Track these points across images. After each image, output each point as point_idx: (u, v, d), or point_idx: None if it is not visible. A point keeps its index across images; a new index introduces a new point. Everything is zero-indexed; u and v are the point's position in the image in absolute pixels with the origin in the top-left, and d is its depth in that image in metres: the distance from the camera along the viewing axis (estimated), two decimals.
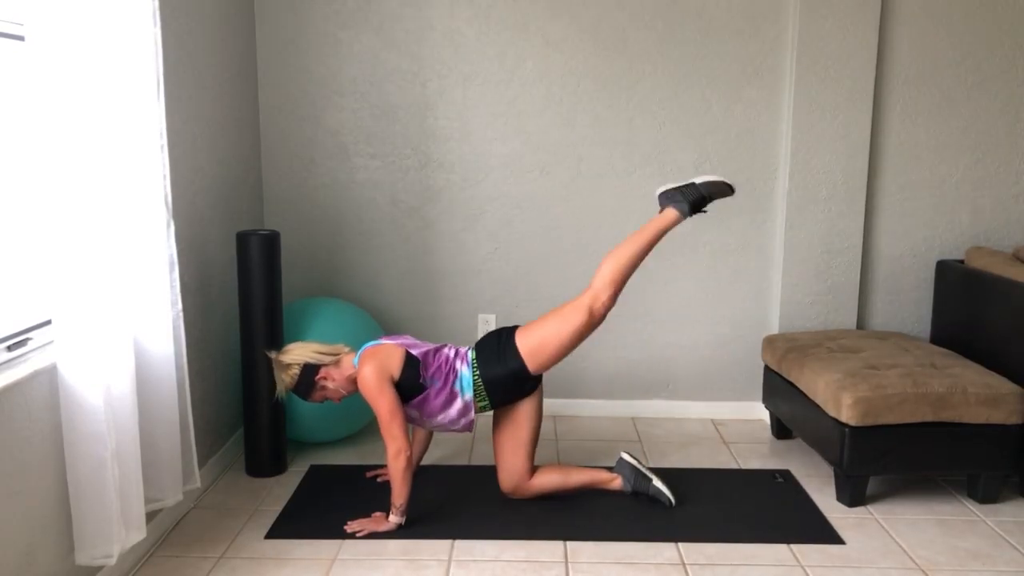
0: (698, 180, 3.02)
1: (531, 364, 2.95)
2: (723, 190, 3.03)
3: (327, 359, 2.95)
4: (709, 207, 3.07)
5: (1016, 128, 3.84)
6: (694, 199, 3.00)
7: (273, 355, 3.00)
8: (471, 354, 3.00)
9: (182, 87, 3.00)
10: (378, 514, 2.93)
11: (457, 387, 2.95)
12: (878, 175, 3.86)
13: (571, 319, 2.96)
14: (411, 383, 2.90)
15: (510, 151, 3.88)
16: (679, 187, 3.02)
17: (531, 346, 2.95)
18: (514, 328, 3.04)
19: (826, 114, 3.75)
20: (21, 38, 2.25)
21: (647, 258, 3.91)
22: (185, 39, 3.03)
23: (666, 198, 3.04)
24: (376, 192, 3.92)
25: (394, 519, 2.88)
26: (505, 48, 3.80)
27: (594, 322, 2.98)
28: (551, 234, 3.93)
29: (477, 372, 2.95)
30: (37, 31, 2.08)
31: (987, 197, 3.88)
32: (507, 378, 2.96)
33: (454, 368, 2.96)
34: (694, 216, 3.05)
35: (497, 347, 2.98)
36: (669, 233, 3.86)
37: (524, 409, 3.03)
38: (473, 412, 2.98)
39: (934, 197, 3.88)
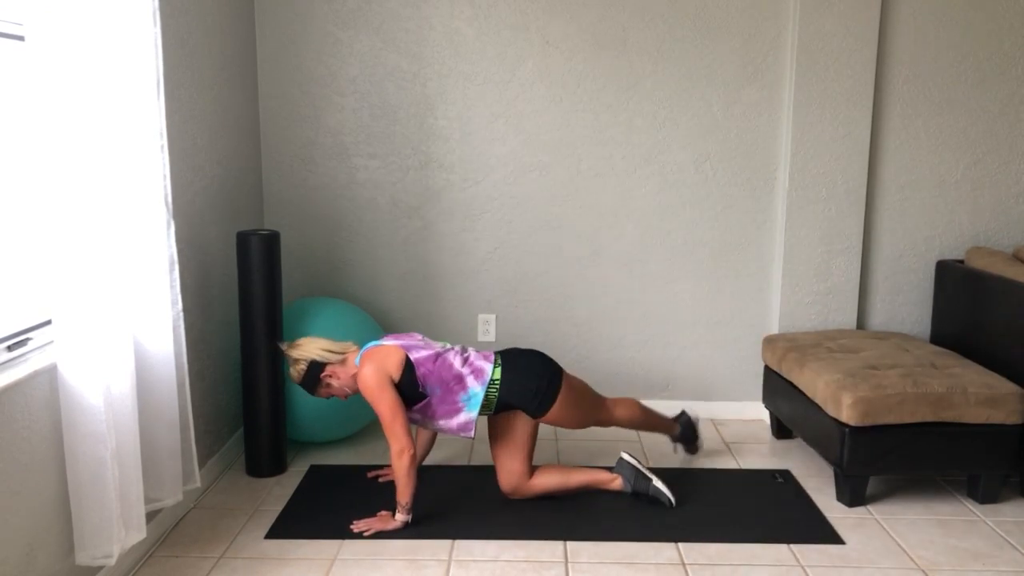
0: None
1: (547, 419, 3.04)
2: (693, 449, 3.54)
3: (333, 357, 2.96)
4: (673, 449, 3.54)
5: (1016, 128, 3.84)
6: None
7: (283, 347, 3.02)
8: (491, 371, 2.96)
9: (182, 87, 3.00)
10: (384, 513, 2.93)
11: (462, 402, 2.93)
12: (878, 175, 3.87)
13: (589, 416, 3.15)
14: (411, 389, 2.90)
15: (510, 151, 3.88)
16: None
17: (561, 414, 3.04)
18: (562, 376, 3.04)
19: (826, 114, 3.75)
20: (21, 38, 2.25)
21: (648, 258, 3.93)
22: (185, 39, 3.03)
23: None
24: (376, 192, 3.92)
25: (400, 517, 2.88)
26: (505, 48, 3.80)
27: (594, 426, 3.23)
28: (551, 234, 3.93)
29: (495, 390, 2.94)
30: (37, 31, 2.08)
31: (987, 197, 3.89)
32: (518, 406, 2.99)
33: (463, 382, 2.93)
34: (672, 441, 3.48)
35: (538, 383, 2.97)
36: (670, 232, 3.90)
37: (520, 413, 3.02)
38: (474, 428, 2.97)
39: (934, 197, 3.88)
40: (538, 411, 2.99)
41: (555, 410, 3.00)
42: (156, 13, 2.51)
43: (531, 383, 2.97)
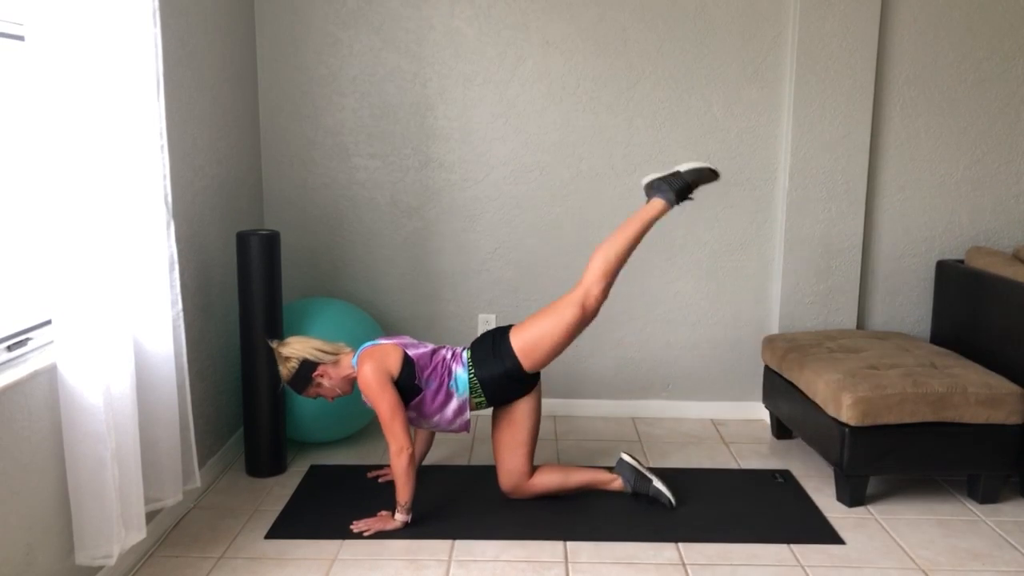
0: (682, 167, 3.02)
1: (526, 362, 2.96)
2: (708, 176, 3.02)
3: (326, 357, 2.96)
4: (696, 194, 3.06)
5: (1016, 128, 3.84)
6: (679, 187, 2.99)
7: (274, 345, 3.01)
8: (466, 354, 3.01)
9: (182, 87, 3.00)
10: (384, 513, 2.93)
11: (452, 387, 2.95)
12: (878, 175, 3.87)
13: (564, 315, 2.95)
14: (408, 384, 2.90)
15: (510, 151, 3.88)
16: (664, 176, 3.02)
17: (525, 344, 2.96)
18: (508, 327, 3.04)
19: (826, 114, 3.75)
20: (21, 38, 2.25)
21: (648, 257, 3.93)
22: (185, 39, 3.03)
23: (652, 188, 3.04)
24: (376, 192, 3.92)
25: (400, 517, 2.88)
26: (505, 48, 3.80)
27: (587, 317, 2.97)
28: (551, 234, 3.93)
29: (472, 372, 2.96)
30: (37, 31, 2.08)
31: (987, 197, 3.88)
32: (502, 377, 2.96)
33: (449, 369, 2.97)
34: (681, 204, 3.04)
35: (492, 346, 2.99)
36: (669, 232, 3.90)
37: (522, 409, 3.03)
38: (468, 412, 2.98)
39: (934, 197, 3.88)
40: (508, 359, 2.94)
41: (516, 342, 2.94)
42: (156, 13, 2.51)
43: (486, 345, 3.00)
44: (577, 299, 2.96)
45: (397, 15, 3.79)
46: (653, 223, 3.01)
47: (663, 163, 3.86)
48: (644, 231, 3.00)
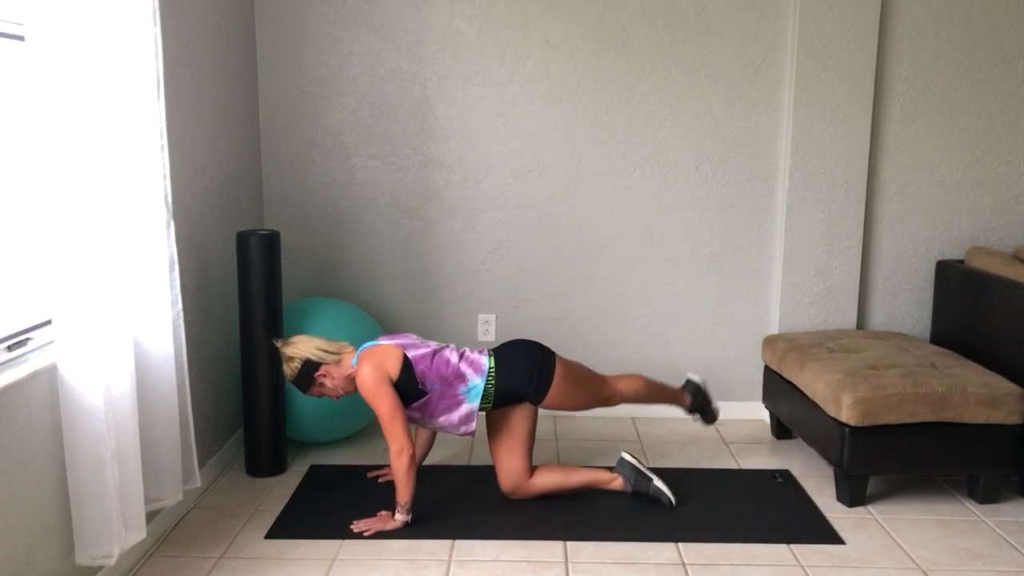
0: (714, 402, 3.44)
1: (547, 402, 3.02)
2: (710, 415, 3.41)
3: (328, 357, 2.96)
4: (692, 419, 3.54)
5: (1016, 128, 3.84)
6: (699, 403, 3.37)
7: (278, 344, 3.01)
8: (488, 362, 2.99)
9: (182, 87, 3.00)
10: (384, 513, 2.93)
11: (463, 394, 2.94)
12: (878, 175, 3.87)
13: (594, 394, 3.13)
14: (410, 386, 2.90)
15: (510, 151, 3.88)
16: (703, 389, 3.40)
17: (561, 393, 3.02)
18: (554, 357, 3.06)
19: (826, 114, 3.75)
20: (21, 38, 2.25)
21: (648, 257, 3.94)
22: (185, 39, 3.03)
23: (689, 385, 3.38)
24: (376, 192, 3.92)
25: (400, 517, 2.88)
26: (505, 48, 3.80)
27: (601, 405, 3.18)
28: (551, 234, 3.93)
29: (492, 381, 2.95)
30: (37, 31, 2.08)
31: (987, 197, 3.89)
32: (517, 395, 2.99)
33: (462, 376, 2.94)
34: (690, 411, 3.40)
35: (531, 367, 2.99)
36: (670, 232, 3.90)
37: (519, 411, 3.03)
38: (475, 420, 2.97)
39: (934, 197, 3.88)
40: (537, 394, 2.99)
41: (554, 390, 3.00)
42: (156, 13, 2.51)
43: (524, 367, 2.99)
44: (609, 393, 3.16)
45: (397, 15, 3.79)
46: (670, 403, 3.39)
47: (663, 163, 3.86)
48: (662, 400, 3.36)
